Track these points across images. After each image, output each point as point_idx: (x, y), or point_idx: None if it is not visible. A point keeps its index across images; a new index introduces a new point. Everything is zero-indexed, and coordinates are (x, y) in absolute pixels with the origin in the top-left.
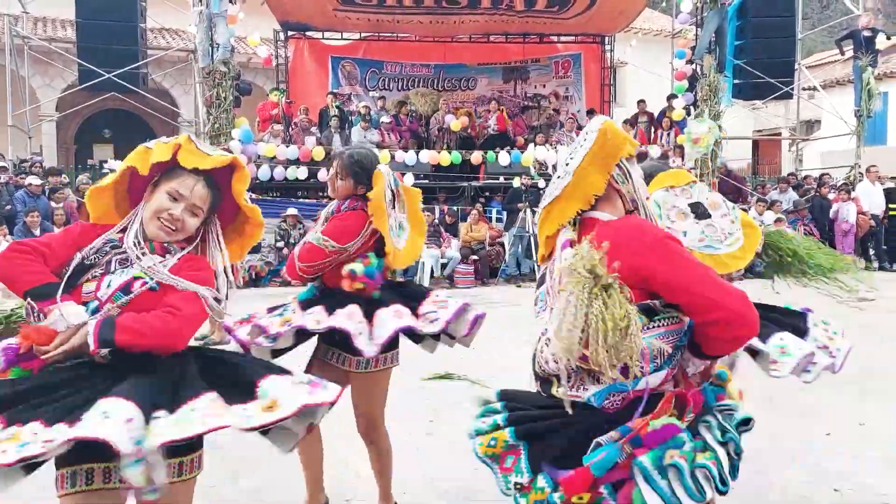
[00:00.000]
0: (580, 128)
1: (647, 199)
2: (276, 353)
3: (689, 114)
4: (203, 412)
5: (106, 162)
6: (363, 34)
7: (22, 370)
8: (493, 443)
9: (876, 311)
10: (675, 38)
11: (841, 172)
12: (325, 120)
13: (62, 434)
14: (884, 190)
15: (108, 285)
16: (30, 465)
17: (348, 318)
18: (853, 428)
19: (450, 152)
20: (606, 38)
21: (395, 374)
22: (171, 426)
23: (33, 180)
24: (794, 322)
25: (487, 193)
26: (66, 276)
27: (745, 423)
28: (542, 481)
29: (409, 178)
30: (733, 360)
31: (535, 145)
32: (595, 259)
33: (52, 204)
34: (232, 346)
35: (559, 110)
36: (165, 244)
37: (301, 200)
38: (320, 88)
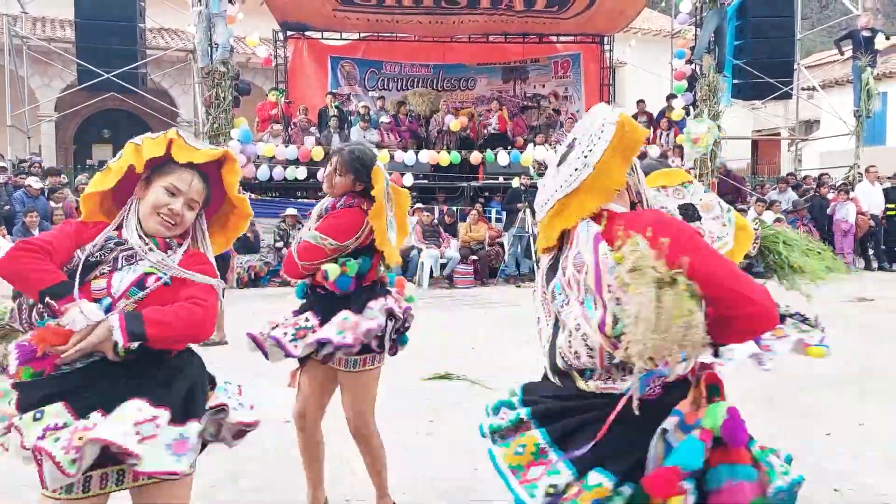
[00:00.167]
0: None
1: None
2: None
3: (688, 114)
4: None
5: (105, 162)
6: (362, 34)
7: (34, 370)
8: (520, 450)
9: (876, 311)
10: (675, 38)
11: (840, 172)
12: (325, 120)
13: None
14: (883, 190)
15: (121, 281)
16: None
17: (340, 327)
18: (853, 428)
19: (449, 152)
20: (606, 38)
21: (395, 374)
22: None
23: (33, 182)
24: None
25: (487, 193)
26: (77, 273)
27: None
28: (597, 477)
29: (408, 178)
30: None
31: (535, 145)
32: (653, 255)
33: (52, 204)
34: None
35: (559, 110)
36: (167, 239)
37: (300, 200)
38: (319, 88)
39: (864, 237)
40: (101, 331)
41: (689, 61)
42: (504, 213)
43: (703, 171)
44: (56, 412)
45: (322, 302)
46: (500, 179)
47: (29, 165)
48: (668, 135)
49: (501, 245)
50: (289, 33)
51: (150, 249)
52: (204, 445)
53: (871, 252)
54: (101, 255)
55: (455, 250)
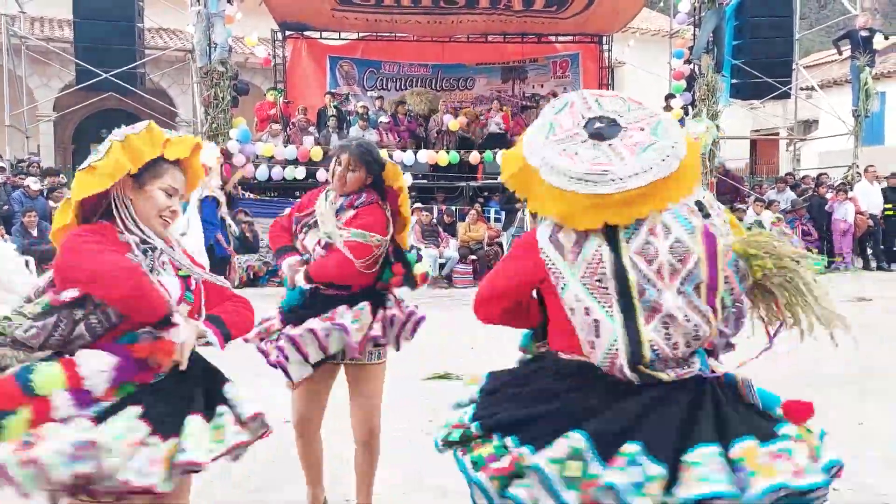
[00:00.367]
0: None
1: None
2: None
3: (687, 113)
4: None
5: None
6: (361, 34)
7: (133, 385)
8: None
9: (875, 311)
10: (673, 37)
11: (838, 172)
12: (323, 120)
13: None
14: (881, 189)
15: (173, 287)
16: None
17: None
18: (853, 428)
19: (448, 152)
20: (604, 38)
21: (394, 373)
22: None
23: (31, 182)
24: None
25: (486, 193)
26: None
27: None
28: (656, 468)
29: (407, 178)
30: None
31: None
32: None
33: (51, 203)
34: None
35: None
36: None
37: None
38: (318, 88)
39: (863, 237)
40: (193, 338)
41: (688, 61)
42: (503, 213)
43: (701, 171)
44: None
45: (331, 304)
46: (499, 179)
47: (27, 165)
48: None
49: (500, 245)
50: (287, 33)
51: (173, 249)
52: None
53: (869, 252)
54: (151, 264)
55: (454, 250)
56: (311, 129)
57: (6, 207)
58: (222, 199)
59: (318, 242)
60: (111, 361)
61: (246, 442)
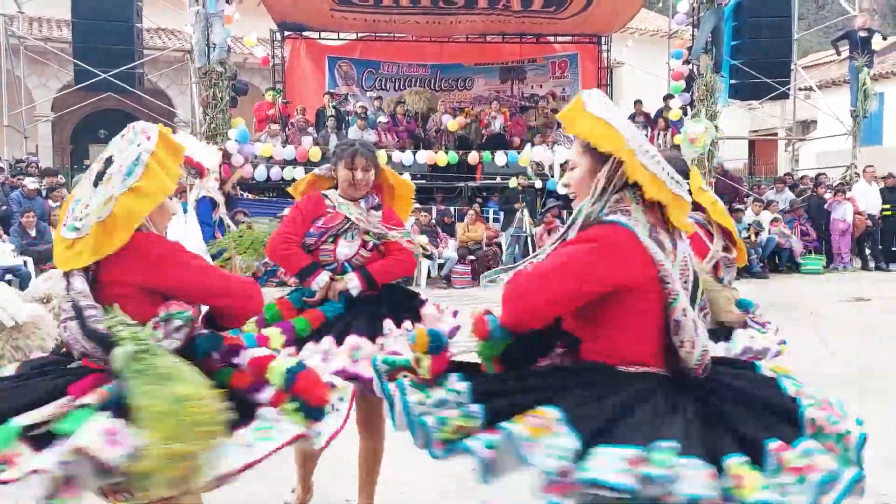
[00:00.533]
0: None
1: None
2: None
3: (685, 114)
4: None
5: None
6: (360, 34)
7: None
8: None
9: (874, 311)
10: (672, 38)
11: (837, 172)
12: (322, 120)
13: None
14: (879, 190)
15: None
16: None
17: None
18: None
19: (447, 153)
20: (603, 39)
21: None
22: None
23: (29, 182)
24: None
25: (484, 194)
26: None
27: None
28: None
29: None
30: None
31: (533, 146)
32: None
33: (50, 203)
34: None
35: (556, 110)
36: None
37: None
38: (317, 88)
39: (861, 237)
40: None
41: (687, 61)
42: (502, 214)
43: (700, 172)
44: None
45: (372, 310)
46: (498, 179)
47: (26, 166)
48: (665, 135)
49: (499, 245)
50: (286, 33)
51: None
52: None
53: (868, 252)
54: None
55: (453, 250)
56: (310, 129)
57: (4, 208)
58: (220, 199)
59: (364, 246)
60: None
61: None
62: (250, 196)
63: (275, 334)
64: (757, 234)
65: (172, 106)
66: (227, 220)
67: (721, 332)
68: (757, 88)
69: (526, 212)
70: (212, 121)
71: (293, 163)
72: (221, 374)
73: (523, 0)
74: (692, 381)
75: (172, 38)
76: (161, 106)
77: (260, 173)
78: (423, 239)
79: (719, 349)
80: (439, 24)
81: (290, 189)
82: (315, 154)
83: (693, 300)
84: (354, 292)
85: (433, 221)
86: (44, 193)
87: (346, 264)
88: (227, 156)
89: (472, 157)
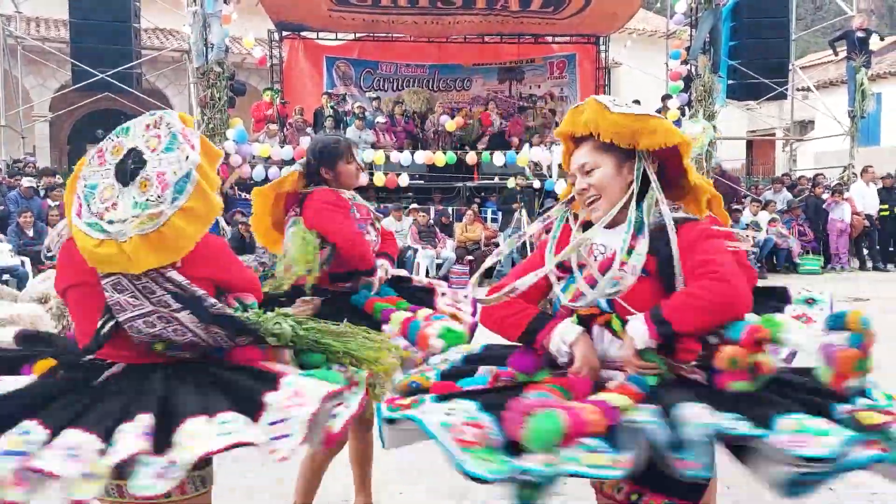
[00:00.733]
0: None
1: None
2: None
3: (683, 114)
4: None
5: None
6: (358, 34)
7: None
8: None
9: (872, 312)
10: (670, 38)
11: (835, 173)
12: (320, 120)
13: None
14: (877, 190)
15: None
16: None
17: None
18: None
19: (445, 153)
20: (601, 39)
21: None
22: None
23: (27, 182)
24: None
25: (483, 194)
26: None
27: None
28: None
29: (404, 179)
30: None
31: (531, 146)
32: None
33: (49, 202)
34: None
35: (554, 110)
36: None
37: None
38: (315, 89)
39: (859, 237)
40: None
41: (685, 62)
42: (500, 214)
43: (699, 171)
44: None
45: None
46: (496, 180)
47: (23, 166)
48: None
49: (497, 245)
50: (284, 33)
51: None
52: None
53: (865, 252)
54: None
55: (451, 250)
56: (308, 129)
57: (2, 208)
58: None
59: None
60: None
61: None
62: (248, 196)
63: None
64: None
65: (170, 106)
66: (222, 222)
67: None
68: (755, 89)
69: (524, 212)
70: (210, 121)
71: (291, 163)
72: None
73: (521, 0)
74: None
75: (170, 39)
76: (159, 106)
77: (258, 173)
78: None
79: None
80: (437, 24)
81: (268, 187)
82: None
83: None
84: (386, 276)
85: (431, 221)
86: (41, 193)
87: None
88: (225, 156)
89: (471, 157)
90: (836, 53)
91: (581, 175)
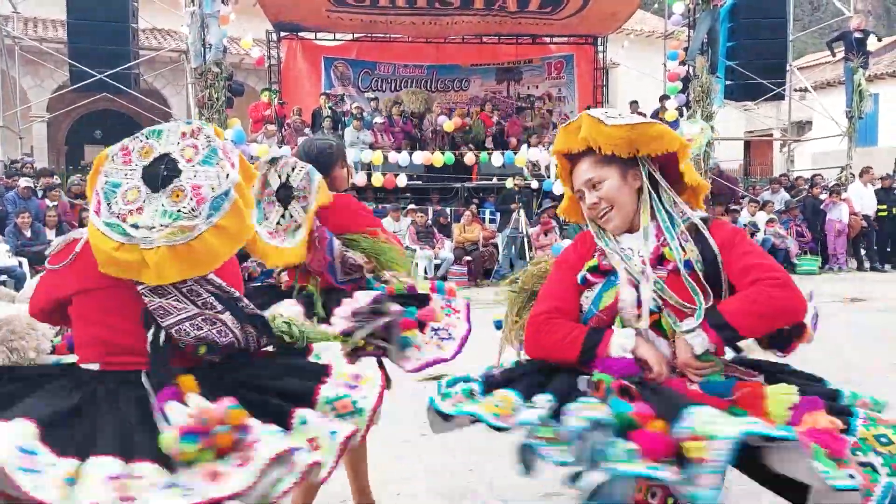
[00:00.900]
0: None
1: None
2: None
3: (681, 115)
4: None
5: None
6: (356, 35)
7: None
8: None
9: (870, 312)
10: (668, 39)
11: (832, 173)
12: (318, 121)
13: None
14: (875, 191)
15: None
16: None
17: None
18: None
19: (443, 153)
20: (599, 40)
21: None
22: None
23: (24, 183)
24: None
25: (481, 194)
26: None
27: None
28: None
29: (402, 179)
30: None
31: (529, 146)
32: None
33: (47, 202)
34: None
35: (552, 111)
36: None
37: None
38: (313, 89)
39: (857, 238)
40: None
41: (683, 62)
42: (498, 214)
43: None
44: None
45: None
46: (494, 180)
47: (21, 166)
48: None
49: (495, 246)
50: (282, 34)
51: None
52: None
53: (863, 252)
54: None
55: (449, 251)
56: (307, 130)
57: (0, 208)
58: None
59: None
60: None
61: None
62: None
63: None
64: (752, 234)
65: (168, 107)
66: None
67: None
68: (753, 89)
69: (522, 212)
70: (208, 121)
71: None
72: None
73: (519, 1)
74: None
75: (168, 39)
76: (157, 107)
77: None
78: None
79: None
80: (435, 24)
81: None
82: None
83: None
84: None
85: (429, 222)
86: (39, 194)
87: None
88: None
89: (469, 157)
90: (833, 54)
91: (589, 190)
